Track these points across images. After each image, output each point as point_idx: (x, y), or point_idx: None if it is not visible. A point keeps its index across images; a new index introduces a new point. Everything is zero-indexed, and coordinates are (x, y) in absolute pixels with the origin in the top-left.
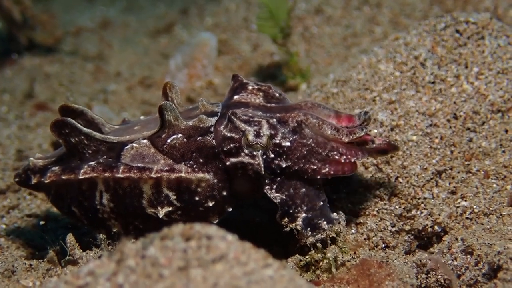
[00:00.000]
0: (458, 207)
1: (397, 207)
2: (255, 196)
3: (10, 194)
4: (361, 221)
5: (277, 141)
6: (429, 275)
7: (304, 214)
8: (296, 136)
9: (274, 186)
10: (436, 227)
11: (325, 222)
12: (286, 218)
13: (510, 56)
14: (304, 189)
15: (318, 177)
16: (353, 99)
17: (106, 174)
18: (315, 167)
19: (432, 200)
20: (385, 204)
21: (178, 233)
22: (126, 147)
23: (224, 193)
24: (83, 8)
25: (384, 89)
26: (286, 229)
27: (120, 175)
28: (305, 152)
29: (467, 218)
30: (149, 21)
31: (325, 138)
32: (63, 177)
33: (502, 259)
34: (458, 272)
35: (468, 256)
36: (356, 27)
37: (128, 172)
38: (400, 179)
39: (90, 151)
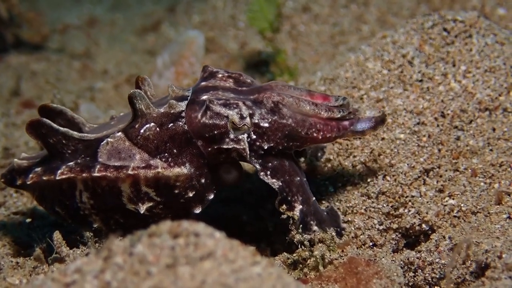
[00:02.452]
0: (445, 205)
1: (384, 205)
2: (239, 182)
3: None
4: (349, 219)
5: (256, 121)
6: (416, 273)
7: (300, 206)
8: (276, 117)
9: (268, 172)
10: (423, 226)
11: (316, 227)
12: (284, 206)
13: (498, 54)
14: (298, 178)
15: (300, 149)
16: None
17: (83, 175)
18: (298, 143)
19: (420, 198)
20: (372, 202)
21: (166, 231)
22: (102, 143)
23: (203, 181)
24: (70, 5)
25: (371, 87)
26: (283, 216)
27: (96, 175)
28: (286, 132)
29: (454, 216)
30: (136, 19)
31: (305, 115)
32: (44, 178)
33: (490, 257)
34: (446, 270)
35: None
36: (343, 25)
37: (104, 171)
38: (388, 177)
39: (69, 151)
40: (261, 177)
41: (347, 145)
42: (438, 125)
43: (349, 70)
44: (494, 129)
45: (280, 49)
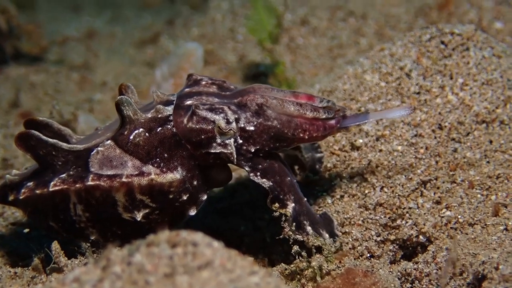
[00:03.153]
0: (443, 217)
1: (382, 216)
2: (228, 182)
3: None
4: (346, 230)
5: (242, 126)
6: (414, 285)
7: (293, 204)
8: (261, 119)
9: (259, 173)
10: (421, 237)
11: (309, 228)
12: (276, 204)
13: (495, 67)
14: (289, 178)
15: (288, 148)
16: None
17: (76, 186)
18: (285, 143)
19: (417, 210)
20: (370, 213)
21: (164, 240)
22: (92, 153)
23: (195, 183)
24: (69, 18)
25: (369, 99)
26: (275, 214)
27: (90, 183)
28: (272, 134)
29: (452, 228)
30: (135, 31)
31: (290, 116)
32: (37, 192)
33: (487, 268)
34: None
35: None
36: (341, 38)
37: (97, 180)
38: (385, 189)
39: (60, 162)
40: (251, 178)
41: (345, 156)
42: (435, 137)
43: (347, 82)
44: (491, 141)
45: (279, 60)
